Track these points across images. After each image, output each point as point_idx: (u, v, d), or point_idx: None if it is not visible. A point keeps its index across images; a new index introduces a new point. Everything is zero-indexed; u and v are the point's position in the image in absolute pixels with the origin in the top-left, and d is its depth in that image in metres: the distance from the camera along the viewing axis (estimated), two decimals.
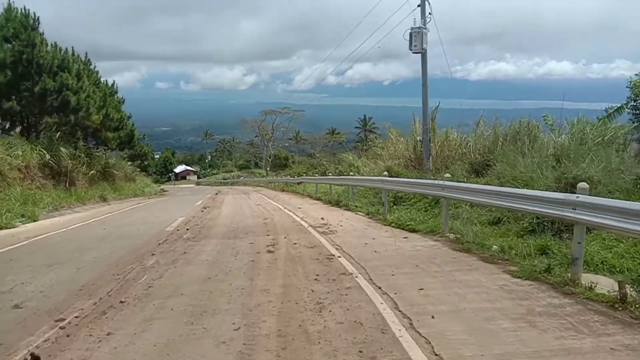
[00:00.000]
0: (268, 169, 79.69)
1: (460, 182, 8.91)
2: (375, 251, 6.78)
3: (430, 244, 7.35)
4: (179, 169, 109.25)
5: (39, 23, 21.90)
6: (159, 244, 7.97)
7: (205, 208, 15.36)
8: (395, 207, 11.67)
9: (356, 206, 13.40)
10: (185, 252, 7.07)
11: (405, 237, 7.97)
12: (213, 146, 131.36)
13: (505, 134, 12.62)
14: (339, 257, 6.45)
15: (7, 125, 22.61)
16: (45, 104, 22.25)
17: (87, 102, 23.65)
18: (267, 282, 5.16)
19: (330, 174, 18.81)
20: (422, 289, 4.73)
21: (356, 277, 5.28)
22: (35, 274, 5.87)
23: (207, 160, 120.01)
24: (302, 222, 10.45)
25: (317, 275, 5.40)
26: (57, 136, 22.57)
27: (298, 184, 27.81)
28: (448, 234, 7.89)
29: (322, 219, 10.96)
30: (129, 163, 34.14)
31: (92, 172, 26.12)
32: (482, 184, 9.30)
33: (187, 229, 9.83)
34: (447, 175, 8.25)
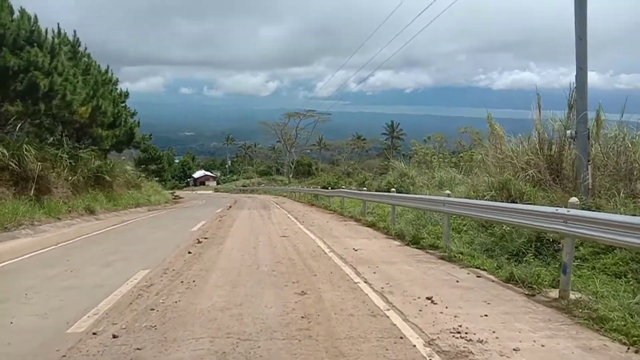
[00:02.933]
0: (290, 176, 73.81)
1: None
2: None
3: None
4: (198, 174, 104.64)
5: None
6: None
7: (197, 244, 9.43)
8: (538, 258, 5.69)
9: (461, 254, 7.34)
10: None
11: None
12: (235, 152, 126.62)
13: None
14: None
15: None
16: (7, 87, 16.99)
17: (63, 87, 18.22)
18: None
19: (393, 189, 12.58)
20: None
21: None
22: None
23: (227, 166, 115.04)
24: (400, 322, 4.27)
25: None
26: (18, 128, 17.24)
27: (329, 197, 21.91)
28: None
29: (431, 301, 4.90)
30: (129, 167, 28.69)
31: (75, 177, 20.76)
32: None
33: None
34: None
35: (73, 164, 20.56)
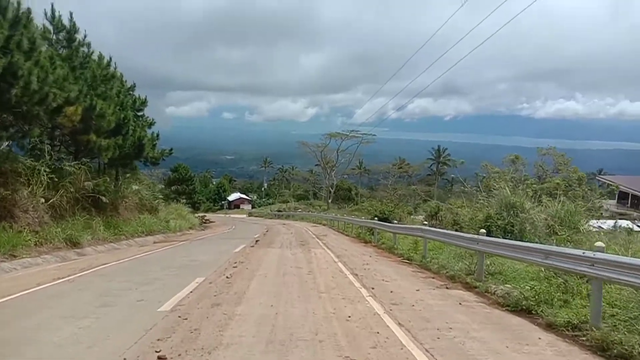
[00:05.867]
0: (330, 201, 67.52)
1: None
2: None
3: None
4: (232, 196, 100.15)
5: None
6: None
7: None
8: None
9: None
10: None
11: None
12: (272, 175, 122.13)
13: None
14: None
15: None
16: None
17: (27, 72, 12.99)
18: None
19: (583, 249, 6.04)
20: None
21: None
22: None
23: (262, 189, 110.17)
24: None
25: None
26: None
27: (395, 234, 15.49)
28: None
29: None
30: (136, 187, 23.28)
31: (57, 198, 15.66)
32: None
33: None
34: None
35: (56, 180, 15.41)
